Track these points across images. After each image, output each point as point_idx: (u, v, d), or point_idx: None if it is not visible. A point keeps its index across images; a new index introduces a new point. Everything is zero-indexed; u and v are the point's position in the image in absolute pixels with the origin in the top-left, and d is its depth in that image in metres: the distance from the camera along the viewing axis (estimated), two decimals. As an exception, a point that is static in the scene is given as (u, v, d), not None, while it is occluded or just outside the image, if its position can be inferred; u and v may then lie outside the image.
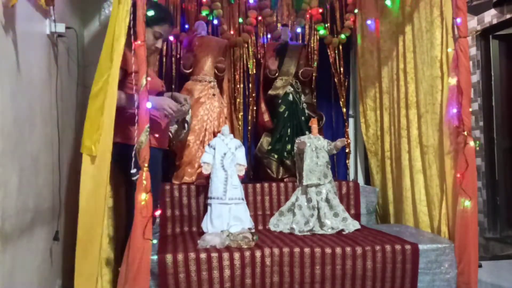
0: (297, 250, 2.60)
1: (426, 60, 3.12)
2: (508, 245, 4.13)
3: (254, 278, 2.55)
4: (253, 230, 2.90)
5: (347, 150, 4.15)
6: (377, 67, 3.83)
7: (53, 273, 2.64)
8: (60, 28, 2.70)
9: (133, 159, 2.19)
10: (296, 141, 3.35)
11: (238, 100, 4.02)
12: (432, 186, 3.08)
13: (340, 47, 4.15)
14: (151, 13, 2.42)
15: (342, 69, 4.16)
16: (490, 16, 4.21)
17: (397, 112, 3.51)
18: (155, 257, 2.45)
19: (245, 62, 4.07)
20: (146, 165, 2.16)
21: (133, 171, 2.20)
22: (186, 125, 2.84)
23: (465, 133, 2.63)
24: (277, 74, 3.74)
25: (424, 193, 3.18)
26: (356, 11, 4.05)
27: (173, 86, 3.85)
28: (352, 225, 3.13)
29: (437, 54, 3.00)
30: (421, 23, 3.17)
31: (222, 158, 3.04)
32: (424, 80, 3.15)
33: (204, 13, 3.82)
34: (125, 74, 2.46)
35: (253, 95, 4.06)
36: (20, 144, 2.11)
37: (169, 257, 2.47)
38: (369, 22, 3.88)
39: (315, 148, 3.27)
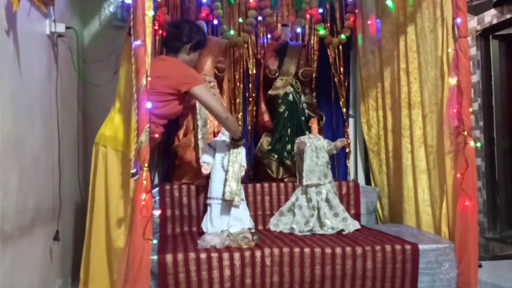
0: (297, 250, 2.60)
1: (430, 60, 3.12)
2: (508, 245, 4.13)
3: (254, 278, 2.55)
4: (253, 230, 2.90)
5: (347, 150, 4.14)
6: (379, 67, 3.82)
7: (53, 273, 2.64)
8: (60, 28, 2.70)
9: (133, 159, 2.20)
10: (296, 141, 3.34)
11: (238, 100, 4.01)
12: (436, 186, 3.08)
13: (340, 47, 4.15)
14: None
15: (342, 69, 4.15)
16: (490, 16, 4.21)
17: (399, 112, 3.50)
18: (155, 257, 2.45)
19: (245, 62, 4.07)
20: (146, 165, 2.16)
21: (133, 171, 2.20)
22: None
23: (465, 133, 2.63)
24: (277, 74, 3.74)
25: (428, 193, 3.18)
26: (356, 11, 4.06)
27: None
28: (352, 225, 3.13)
29: (440, 54, 3.00)
30: (424, 23, 3.16)
31: (222, 158, 3.04)
32: (428, 80, 3.15)
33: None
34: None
35: (253, 95, 4.05)
36: (20, 144, 2.11)
37: (169, 257, 2.47)
38: (370, 22, 3.88)
39: (315, 148, 3.27)
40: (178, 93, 2.62)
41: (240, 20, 4.01)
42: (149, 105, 2.19)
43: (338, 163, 4.14)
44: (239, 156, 3.02)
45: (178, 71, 2.68)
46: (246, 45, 4.02)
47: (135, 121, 2.22)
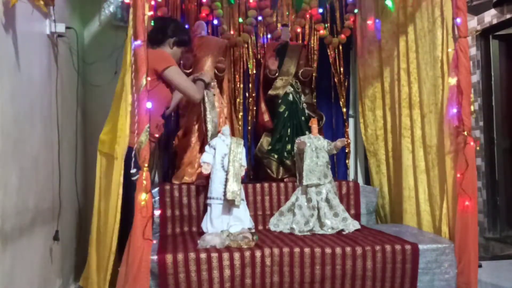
0: (297, 250, 2.60)
1: (428, 60, 3.12)
2: (508, 245, 4.13)
3: (254, 278, 2.55)
4: (253, 230, 2.90)
5: (347, 150, 4.15)
6: (378, 67, 3.83)
7: (53, 272, 2.64)
8: (60, 28, 2.70)
9: (133, 159, 2.20)
10: (296, 141, 3.34)
11: (238, 100, 4.01)
12: (435, 186, 3.08)
13: (340, 47, 4.15)
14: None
15: (342, 69, 4.16)
16: (490, 16, 4.21)
17: (398, 112, 3.50)
18: (155, 257, 2.45)
19: (245, 62, 4.07)
20: (146, 165, 2.16)
21: (133, 171, 2.20)
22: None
23: (465, 133, 2.64)
24: (277, 74, 3.74)
25: (427, 193, 3.18)
26: (356, 11, 4.06)
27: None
28: (352, 225, 3.13)
29: (439, 54, 3.00)
30: (423, 23, 3.17)
31: (222, 158, 3.04)
32: (427, 80, 3.15)
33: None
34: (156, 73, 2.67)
35: (253, 95, 4.05)
36: (20, 144, 2.11)
37: (169, 257, 2.47)
38: (369, 22, 3.88)
39: (315, 148, 3.28)
40: (156, 75, 2.67)
41: (240, 20, 4.01)
42: (149, 105, 2.20)
43: (338, 163, 4.14)
44: (239, 155, 3.02)
45: (154, 55, 2.66)
46: (246, 45, 4.02)
47: (128, 120, 2.25)
